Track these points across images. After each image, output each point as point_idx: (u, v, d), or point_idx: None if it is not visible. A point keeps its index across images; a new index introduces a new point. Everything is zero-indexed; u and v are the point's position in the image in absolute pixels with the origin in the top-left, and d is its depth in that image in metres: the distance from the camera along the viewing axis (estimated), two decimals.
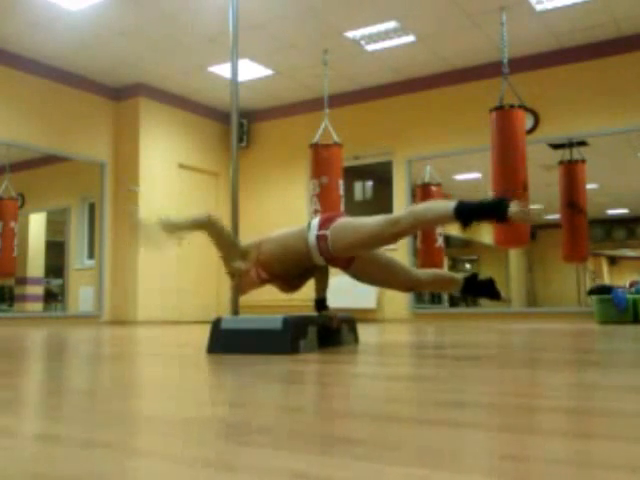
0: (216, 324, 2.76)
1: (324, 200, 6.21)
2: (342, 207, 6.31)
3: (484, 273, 8.43)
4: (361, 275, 3.00)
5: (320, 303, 3.05)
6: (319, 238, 2.78)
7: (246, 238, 3.01)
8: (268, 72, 7.59)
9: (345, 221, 2.78)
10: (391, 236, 2.69)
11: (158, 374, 1.92)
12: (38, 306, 7.74)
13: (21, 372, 2.00)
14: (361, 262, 2.92)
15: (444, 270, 3.00)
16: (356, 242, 2.72)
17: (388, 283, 3.11)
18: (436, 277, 3.19)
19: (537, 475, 0.71)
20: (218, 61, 7.29)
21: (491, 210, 2.51)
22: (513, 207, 2.46)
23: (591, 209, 6.46)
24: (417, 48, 6.93)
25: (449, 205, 2.56)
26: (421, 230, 2.92)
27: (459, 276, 3.10)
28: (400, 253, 7.70)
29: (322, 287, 3.07)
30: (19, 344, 3.59)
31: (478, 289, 3.03)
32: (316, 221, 2.86)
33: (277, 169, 8.77)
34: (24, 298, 7.72)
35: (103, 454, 0.84)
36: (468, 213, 2.52)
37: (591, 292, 6.42)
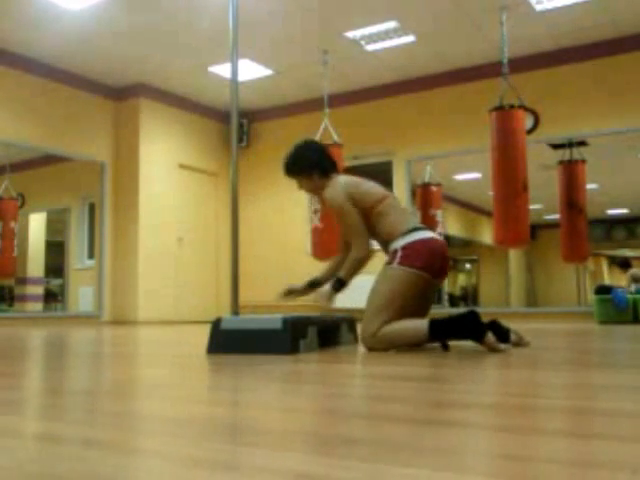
0: (216, 324, 2.76)
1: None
2: None
3: (484, 273, 8.44)
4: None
5: (341, 284, 2.85)
6: (395, 252, 2.77)
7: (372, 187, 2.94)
8: (268, 72, 7.59)
9: (398, 282, 2.71)
10: (362, 332, 2.75)
11: (158, 374, 1.92)
12: (38, 306, 7.74)
13: (21, 372, 2.00)
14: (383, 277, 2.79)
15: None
16: (372, 292, 2.77)
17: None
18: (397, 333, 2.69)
19: (537, 475, 0.71)
20: (218, 61, 7.29)
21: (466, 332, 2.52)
22: (489, 337, 2.46)
23: (591, 209, 6.46)
24: (417, 48, 6.93)
25: (423, 327, 2.58)
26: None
27: (422, 321, 2.65)
28: None
29: (354, 271, 2.87)
30: (19, 344, 3.59)
31: (453, 331, 2.56)
32: (416, 237, 2.77)
33: (277, 169, 8.70)
34: (24, 298, 7.72)
35: (103, 454, 0.84)
36: (443, 334, 2.58)
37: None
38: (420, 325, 2.62)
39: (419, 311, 2.86)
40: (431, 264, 2.74)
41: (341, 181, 2.89)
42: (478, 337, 2.49)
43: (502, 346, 2.51)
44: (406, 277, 2.71)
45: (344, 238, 3.03)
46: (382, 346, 2.69)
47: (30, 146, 7.25)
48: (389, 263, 2.77)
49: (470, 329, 2.50)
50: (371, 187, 2.92)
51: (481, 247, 8.26)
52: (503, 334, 2.66)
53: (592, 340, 3.43)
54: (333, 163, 2.98)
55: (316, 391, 1.50)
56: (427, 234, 2.82)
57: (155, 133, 8.15)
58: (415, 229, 2.82)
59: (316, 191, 2.99)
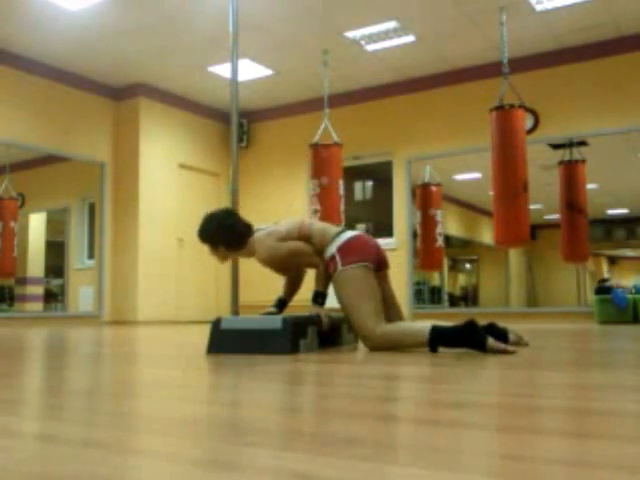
0: (216, 324, 2.76)
1: (324, 200, 6.21)
2: (342, 207, 6.30)
3: (484, 273, 8.45)
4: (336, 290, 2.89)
5: (320, 296, 2.96)
6: (332, 258, 2.85)
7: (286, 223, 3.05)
8: (268, 72, 7.59)
9: (353, 280, 2.78)
10: (359, 336, 2.80)
11: (158, 374, 1.92)
12: (38, 306, 7.74)
13: (21, 372, 2.00)
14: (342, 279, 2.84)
15: (410, 323, 2.85)
16: (340, 302, 2.84)
17: (347, 313, 2.85)
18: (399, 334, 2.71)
19: (537, 475, 0.71)
20: (218, 61, 7.29)
21: (467, 341, 2.52)
22: (491, 342, 2.46)
23: (591, 209, 6.46)
24: (417, 48, 6.93)
25: (425, 331, 2.59)
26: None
27: (427, 326, 2.63)
28: (400, 253, 7.70)
29: (326, 280, 3.00)
30: (19, 344, 3.59)
31: (455, 339, 2.57)
32: (345, 237, 2.88)
33: (277, 169, 8.77)
34: (24, 298, 7.72)
35: (103, 454, 0.84)
36: (443, 342, 2.58)
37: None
38: (422, 329, 2.63)
39: (384, 303, 2.93)
40: (368, 256, 2.85)
41: (264, 239, 2.95)
42: (480, 346, 2.48)
43: (510, 348, 2.47)
44: (356, 273, 2.80)
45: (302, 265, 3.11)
46: (383, 346, 2.71)
47: (30, 146, 7.24)
48: (334, 272, 2.85)
49: (471, 340, 2.50)
50: (286, 226, 2.99)
51: (481, 247, 8.26)
52: (501, 335, 2.67)
53: (592, 340, 3.43)
54: (242, 232, 2.98)
55: (316, 391, 1.50)
56: (355, 232, 2.97)
57: (155, 133, 8.15)
58: (342, 231, 2.95)
59: (225, 260, 3.09)
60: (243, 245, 2.99)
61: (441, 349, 2.65)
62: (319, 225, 3.01)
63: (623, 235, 7.40)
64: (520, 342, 2.83)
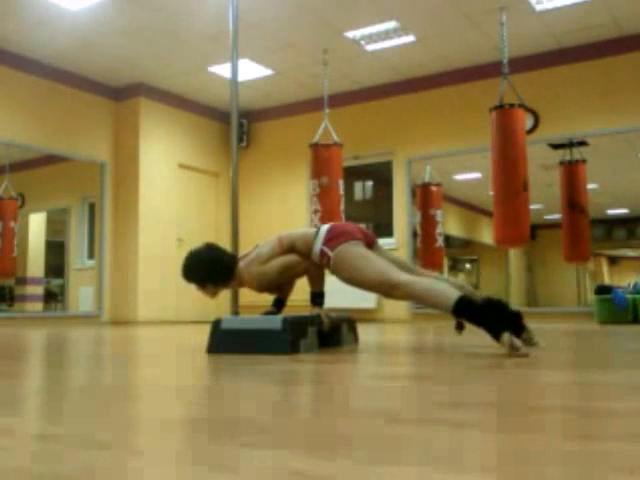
0: (216, 324, 2.76)
1: (324, 200, 6.21)
2: (342, 207, 6.31)
3: (484, 273, 8.43)
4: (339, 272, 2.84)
5: (318, 297, 2.98)
6: (322, 253, 2.84)
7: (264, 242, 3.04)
8: (268, 72, 7.59)
9: (349, 254, 2.77)
10: (384, 294, 2.75)
11: (157, 374, 1.92)
12: (38, 306, 7.74)
13: (21, 372, 2.00)
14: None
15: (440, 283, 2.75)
16: (350, 280, 2.80)
17: (362, 283, 2.78)
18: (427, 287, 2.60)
19: (537, 475, 0.71)
20: (218, 61, 7.29)
21: (488, 323, 2.41)
22: (506, 336, 2.31)
23: (591, 209, 6.46)
24: (417, 48, 6.93)
25: (450, 300, 2.49)
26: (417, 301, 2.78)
27: (454, 292, 2.53)
28: (400, 253, 7.70)
29: (320, 281, 3.03)
30: (19, 344, 3.59)
31: (477, 315, 2.44)
32: (324, 231, 2.89)
33: (277, 169, 8.76)
34: (24, 298, 7.72)
35: (103, 454, 0.84)
36: (466, 315, 2.49)
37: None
38: (448, 293, 2.53)
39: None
40: (354, 235, 2.86)
41: (249, 266, 2.91)
42: (495, 333, 2.36)
43: (523, 350, 2.31)
44: (349, 248, 2.79)
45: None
46: (408, 296, 2.66)
47: (30, 146, 7.24)
48: (328, 262, 2.82)
49: (492, 323, 2.38)
50: (265, 247, 2.97)
51: (481, 247, 8.26)
52: (517, 330, 2.59)
53: (592, 340, 3.43)
54: (229, 265, 2.94)
55: (315, 391, 1.50)
56: (330, 223, 2.99)
57: (155, 133, 8.15)
58: (319, 228, 2.96)
59: (215, 295, 3.05)
60: (231, 278, 2.95)
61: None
62: (297, 231, 3.00)
63: (623, 235, 7.40)
64: (530, 342, 2.76)
